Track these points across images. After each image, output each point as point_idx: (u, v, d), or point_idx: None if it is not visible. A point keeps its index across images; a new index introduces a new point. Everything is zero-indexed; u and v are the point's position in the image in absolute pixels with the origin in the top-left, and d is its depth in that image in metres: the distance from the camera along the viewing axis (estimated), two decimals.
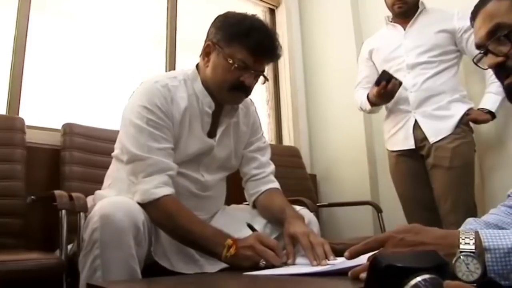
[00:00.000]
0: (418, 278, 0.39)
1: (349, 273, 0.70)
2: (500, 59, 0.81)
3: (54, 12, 2.13)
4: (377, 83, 1.90)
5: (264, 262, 0.98)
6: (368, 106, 2.08)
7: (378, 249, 0.69)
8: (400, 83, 1.89)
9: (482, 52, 0.85)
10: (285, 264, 1.01)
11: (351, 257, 0.72)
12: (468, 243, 0.60)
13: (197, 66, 1.30)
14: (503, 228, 0.90)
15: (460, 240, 0.61)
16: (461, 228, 0.91)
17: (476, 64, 0.88)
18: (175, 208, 1.10)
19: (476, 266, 0.57)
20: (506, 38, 0.79)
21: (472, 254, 0.58)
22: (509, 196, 0.98)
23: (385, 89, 1.88)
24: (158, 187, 1.10)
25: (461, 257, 0.58)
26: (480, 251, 0.59)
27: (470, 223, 0.93)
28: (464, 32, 1.92)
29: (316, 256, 1.01)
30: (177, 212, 1.10)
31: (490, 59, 0.83)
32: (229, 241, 1.02)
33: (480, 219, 0.94)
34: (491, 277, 0.57)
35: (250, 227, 1.13)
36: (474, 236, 0.61)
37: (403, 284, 0.39)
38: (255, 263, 0.98)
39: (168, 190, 1.11)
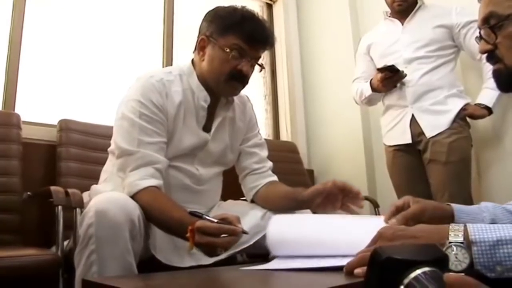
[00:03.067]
0: (418, 271, 0.39)
1: (344, 269, 0.70)
2: (489, 47, 0.84)
3: (50, 7, 2.11)
4: (382, 70, 1.94)
5: (221, 251, 0.96)
6: (368, 92, 2.08)
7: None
8: (406, 75, 1.94)
9: (478, 36, 0.88)
10: (245, 233, 0.98)
11: (349, 274, 0.71)
12: (457, 235, 0.62)
13: (192, 61, 1.31)
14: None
15: (450, 233, 0.63)
16: (480, 205, 0.92)
17: (477, 42, 0.90)
18: (152, 198, 1.09)
19: (464, 256, 0.60)
20: (491, 29, 0.82)
21: (460, 244, 0.60)
22: None
23: (389, 78, 1.93)
24: (143, 179, 1.11)
25: (450, 247, 0.60)
26: (468, 243, 0.61)
27: (485, 205, 0.93)
28: (462, 28, 1.92)
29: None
30: (153, 202, 1.09)
31: (482, 45, 0.86)
32: (188, 235, 0.97)
33: (499, 205, 0.94)
34: (478, 269, 0.58)
35: (194, 214, 1.03)
36: (463, 229, 0.63)
37: (403, 277, 0.39)
38: (215, 253, 0.97)
39: (152, 182, 1.11)
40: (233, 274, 0.89)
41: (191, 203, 1.15)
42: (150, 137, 1.16)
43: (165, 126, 1.20)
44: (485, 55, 0.89)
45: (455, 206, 0.90)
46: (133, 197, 1.09)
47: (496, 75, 0.87)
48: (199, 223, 0.96)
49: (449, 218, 0.87)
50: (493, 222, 0.88)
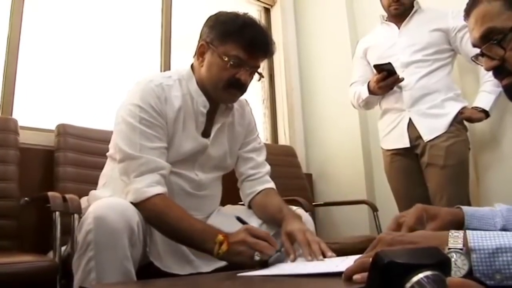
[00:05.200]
0: (421, 275, 0.39)
1: (343, 275, 0.69)
2: (495, 62, 0.82)
3: (48, 12, 2.11)
4: (378, 70, 1.92)
5: (258, 255, 0.97)
6: (366, 95, 2.07)
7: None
8: (402, 79, 1.93)
9: (479, 54, 0.86)
10: (279, 251, 1.00)
11: (348, 279, 0.70)
12: (457, 242, 0.62)
13: (192, 66, 1.30)
14: None
15: (449, 239, 0.62)
16: (495, 208, 0.92)
17: (475, 61, 0.88)
18: (165, 206, 1.10)
19: (463, 262, 0.59)
20: (498, 44, 0.80)
21: (459, 251, 0.60)
22: None
23: (384, 80, 1.91)
24: (150, 186, 1.10)
25: (449, 253, 0.60)
26: (467, 250, 0.60)
27: (500, 208, 0.93)
28: (458, 31, 1.93)
29: (311, 252, 1.00)
30: (167, 210, 1.09)
31: (486, 62, 0.84)
32: (220, 238, 1.01)
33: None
34: (476, 277, 0.58)
35: (240, 220, 1.12)
36: (462, 236, 0.62)
37: (405, 281, 0.39)
38: (249, 256, 0.97)
39: (160, 189, 1.11)
40: (231, 281, 0.88)
41: (191, 209, 1.14)
42: (151, 142, 1.15)
43: (165, 130, 1.19)
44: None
45: (467, 211, 0.89)
46: (139, 203, 1.08)
47: (508, 89, 0.84)
48: (249, 225, 1.08)
49: (460, 223, 0.86)
50: (503, 228, 0.88)
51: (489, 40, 0.81)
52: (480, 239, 0.60)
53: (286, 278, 0.85)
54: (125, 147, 1.14)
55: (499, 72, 0.83)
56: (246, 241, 0.99)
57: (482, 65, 0.88)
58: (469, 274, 0.59)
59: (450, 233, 0.63)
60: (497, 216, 0.90)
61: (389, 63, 1.91)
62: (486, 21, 0.81)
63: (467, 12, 0.86)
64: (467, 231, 0.63)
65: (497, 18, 0.80)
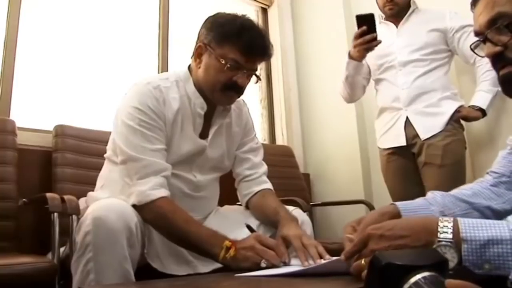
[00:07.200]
0: (418, 276, 0.39)
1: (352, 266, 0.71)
2: (498, 48, 0.81)
3: (45, 13, 2.11)
4: (359, 22, 1.80)
5: (265, 263, 0.97)
6: (347, 68, 1.96)
7: (364, 247, 0.70)
8: (380, 42, 1.79)
9: (480, 40, 0.85)
10: (284, 263, 1.00)
11: (348, 259, 0.73)
12: (446, 232, 0.61)
13: (189, 67, 1.30)
14: (462, 199, 0.93)
15: (439, 229, 0.62)
16: (428, 197, 0.94)
17: (472, 50, 0.88)
18: (171, 209, 1.10)
19: (452, 255, 0.59)
20: (507, 28, 0.79)
21: (449, 243, 0.60)
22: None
23: (362, 36, 1.79)
24: (154, 189, 1.10)
25: (439, 246, 0.60)
26: (457, 240, 0.60)
27: (433, 196, 0.95)
28: (455, 32, 1.94)
29: (309, 257, 1.00)
30: (173, 213, 1.09)
31: (489, 48, 0.83)
32: (227, 243, 1.02)
33: (448, 193, 0.96)
34: (465, 266, 0.59)
35: (249, 227, 1.12)
36: (452, 225, 0.62)
37: (403, 282, 0.39)
38: (255, 263, 0.98)
39: (164, 192, 1.11)
40: (230, 281, 0.88)
41: (189, 211, 1.14)
42: (152, 144, 1.15)
43: (163, 132, 1.20)
44: (479, 58, 0.87)
45: (400, 205, 0.89)
46: (143, 206, 1.08)
47: (505, 79, 0.82)
48: (258, 233, 1.09)
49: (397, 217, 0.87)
50: (442, 214, 0.89)
51: (496, 24, 0.80)
52: (472, 229, 0.60)
53: (284, 278, 0.85)
54: (126, 148, 1.14)
55: (498, 60, 0.82)
56: (254, 248, 0.99)
57: (479, 55, 0.88)
58: (458, 264, 0.59)
59: (439, 222, 0.63)
60: (433, 205, 0.91)
61: (372, 14, 1.78)
62: (498, 5, 0.80)
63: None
64: (458, 219, 0.63)
65: (507, 4, 0.79)
